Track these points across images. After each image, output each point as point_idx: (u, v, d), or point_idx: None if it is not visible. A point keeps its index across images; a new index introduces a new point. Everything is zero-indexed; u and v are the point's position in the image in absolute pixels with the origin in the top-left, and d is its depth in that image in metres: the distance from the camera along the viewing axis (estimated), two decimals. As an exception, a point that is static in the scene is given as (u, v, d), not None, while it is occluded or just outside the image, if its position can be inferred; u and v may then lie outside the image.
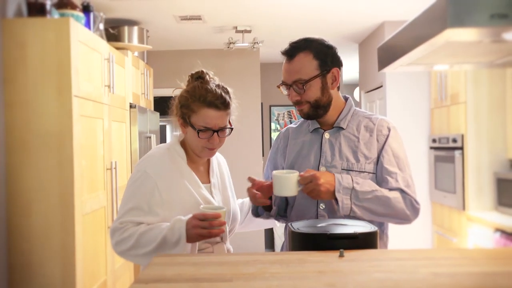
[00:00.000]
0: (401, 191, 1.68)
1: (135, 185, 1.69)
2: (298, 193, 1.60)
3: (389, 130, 1.75)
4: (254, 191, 1.67)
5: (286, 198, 1.80)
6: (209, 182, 1.78)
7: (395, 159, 1.71)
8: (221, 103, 1.66)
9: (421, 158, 4.46)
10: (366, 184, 1.65)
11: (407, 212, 1.66)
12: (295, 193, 1.60)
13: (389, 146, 1.72)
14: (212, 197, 1.74)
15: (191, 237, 1.57)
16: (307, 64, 1.69)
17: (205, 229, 1.55)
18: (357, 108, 1.83)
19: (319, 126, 1.79)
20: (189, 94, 1.69)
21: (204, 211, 1.58)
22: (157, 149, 1.78)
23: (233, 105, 1.74)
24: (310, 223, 1.49)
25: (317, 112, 1.74)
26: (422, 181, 4.43)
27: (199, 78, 1.72)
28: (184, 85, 1.76)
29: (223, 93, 1.68)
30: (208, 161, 1.82)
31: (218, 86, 1.71)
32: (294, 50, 1.70)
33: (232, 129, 1.73)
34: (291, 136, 1.86)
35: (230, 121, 1.75)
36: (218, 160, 1.89)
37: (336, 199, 1.62)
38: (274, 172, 1.64)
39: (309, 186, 1.59)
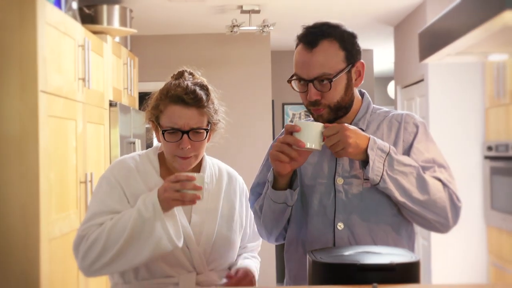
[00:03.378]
0: (441, 182, 1.68)
1: (100, 191, 1.76)
2: (321, 148, 1.62)
3: (417, 127, 1.76)
4: (283, 144, 1.60)
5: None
6: None
7: (428, 160, 1.71)
8: (192, 99, 1.69)
9: (473, 171, 4.44)
10: (404, 157, 1.66)
11: (447, 207, 1.66)
12: (318, 146, 1.61)
13: (418, 145, 1.73)
14: (190, 215, 1.77)
15: (164, 203, 1.62)
16: (333, 56, 1.68)
17: (177, 192, 1.60)
18: (374, 105, 1.84)
19: None
20: (159, 93, 1.75)
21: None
22: (128, 155, 1.85)
23: (215, 106, 1.76)
24: (335, 251, 1.50)
25: (337, 115, 1.74)
26: (475, 199, 4.41)
27: (178, 77, 1.78)
28: None
29: (197, 89, 1.71)
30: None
31: (195, 83, 1.74)
32: (316, 37, 1.68)
33: (207, 130, 1.73)
34: None
35: (214, 126, 1.77)
36: (222, 176, 1.88)
37: (366, 161, 1.61)
38: (297, 121, 1.66)
39: (334, 137, 1.59)
